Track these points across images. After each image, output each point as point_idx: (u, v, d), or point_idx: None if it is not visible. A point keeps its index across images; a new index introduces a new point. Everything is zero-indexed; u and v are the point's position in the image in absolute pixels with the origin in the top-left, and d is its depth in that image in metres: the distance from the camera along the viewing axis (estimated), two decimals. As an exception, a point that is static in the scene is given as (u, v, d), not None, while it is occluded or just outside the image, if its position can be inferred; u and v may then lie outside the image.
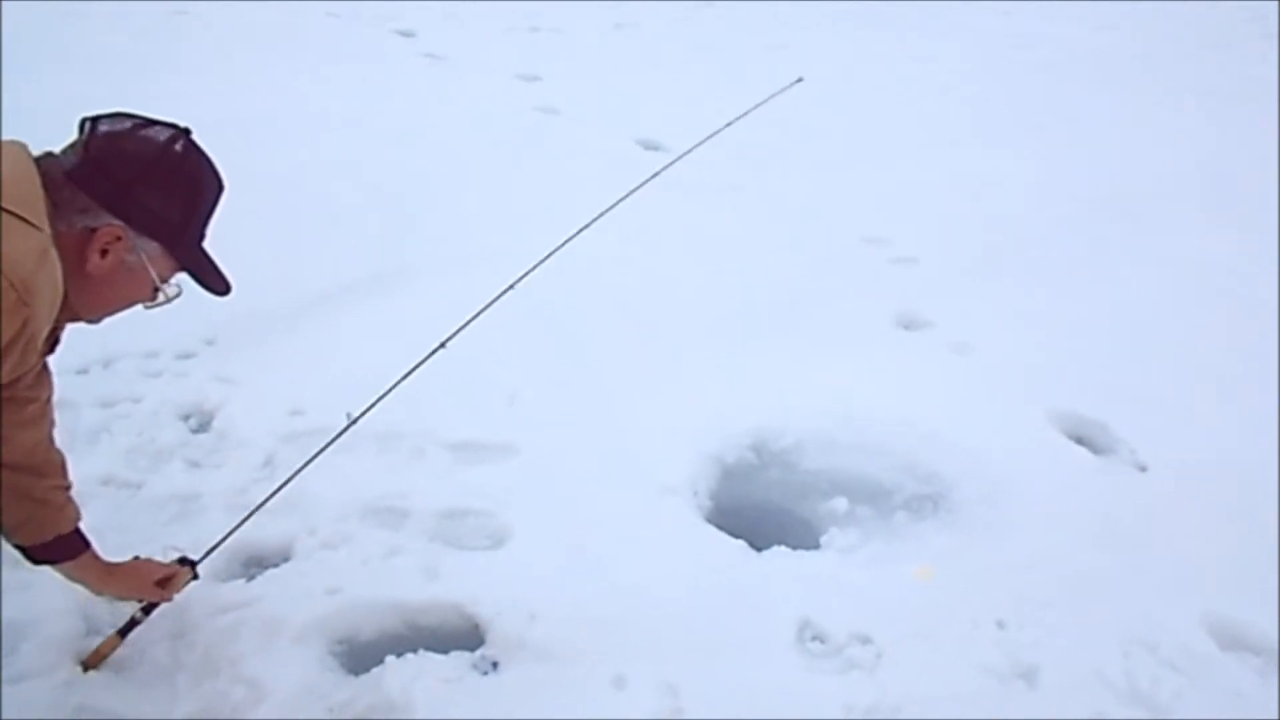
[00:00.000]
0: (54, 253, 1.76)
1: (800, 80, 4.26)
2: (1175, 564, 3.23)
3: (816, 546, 3.22)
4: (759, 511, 3.45)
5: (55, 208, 1.78)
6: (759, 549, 3.11)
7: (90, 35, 7.29)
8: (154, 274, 1.96)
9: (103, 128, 1.88)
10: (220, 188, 2.03)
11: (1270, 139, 7.85)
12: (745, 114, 4.09)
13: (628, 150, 6.47)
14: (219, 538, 2.62)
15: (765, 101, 4.14)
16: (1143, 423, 3.95)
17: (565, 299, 4.35)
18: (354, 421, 2.72)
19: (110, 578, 2.40)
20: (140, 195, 1.87)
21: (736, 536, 3.14)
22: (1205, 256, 5.66)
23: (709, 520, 3.24)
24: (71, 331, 3.57)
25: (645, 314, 4.30)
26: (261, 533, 2.88)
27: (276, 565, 2.81)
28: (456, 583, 2.78)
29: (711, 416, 3.65)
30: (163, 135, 1.91)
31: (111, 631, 2.47)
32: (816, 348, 4.21)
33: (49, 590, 2.50)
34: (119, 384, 3.43)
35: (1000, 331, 4.55)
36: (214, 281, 2.09)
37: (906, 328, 4.54)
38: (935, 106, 8.21)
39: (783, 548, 3.14)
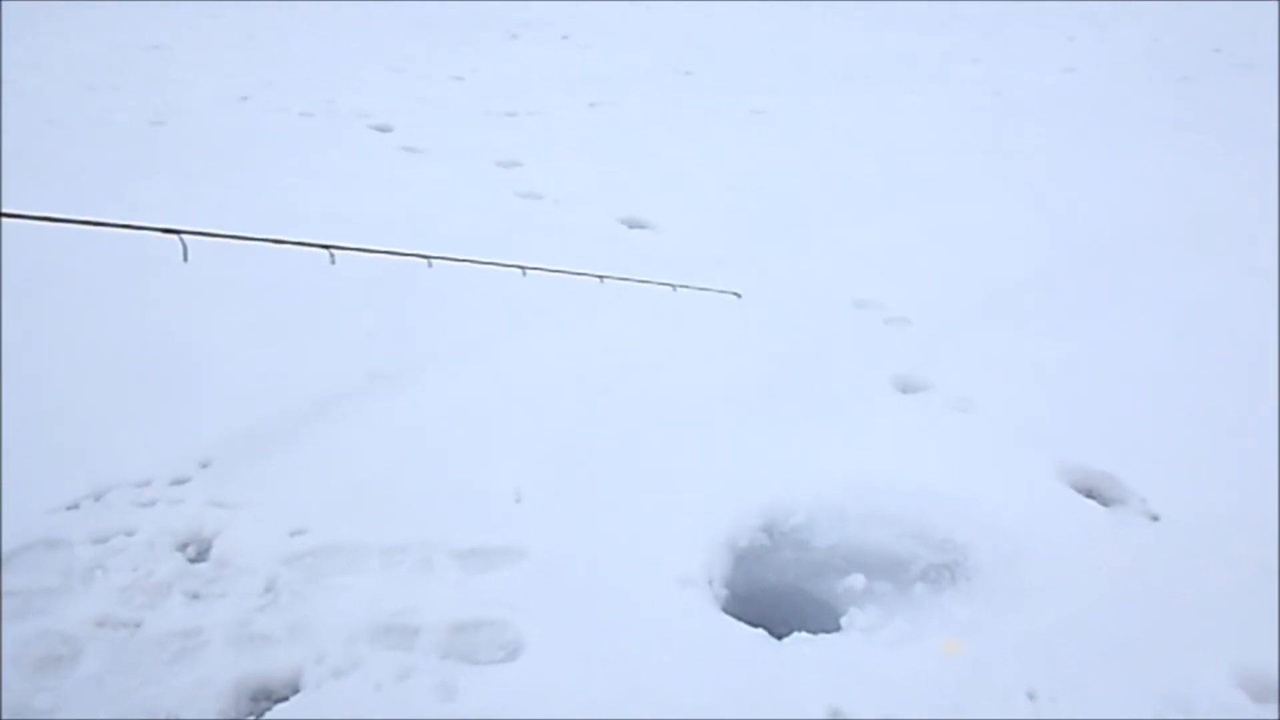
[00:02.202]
0: None
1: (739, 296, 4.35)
2: (1199, 615, 3.18)
3: (837, 628, 3.15)
4: (775, 595, 3.39)
5: None
6: (779, 636, 3.04)
7: (72, 146, 7.34)
8: None
9: None
10: None
11: (1249, 169, 7.94)
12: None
13: (614, 230, 6.50)
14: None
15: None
16: (1150, 470, 3.91)
17: (559, 390, 4.33)
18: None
19: None
20: None
21: (755, 625, 3.07)
22: (1197, 295, 5.68)
23: (726, 610, 3.17)
24: (59, 465, 3.56)
25: (643, 401, 4.26)
26: (268, 664, 2.81)
27: (285, 698, 2.72)
28: (474, 701, 2.70)
29: (720, 500, 3.59)
30: None
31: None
32: (818, 419, 4.17)
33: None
34: (111, 517, 3.34)
35: (1000, 386, 4.53)
36: None
37: (905, 391, 4.51)
38: (916, 161, 8.29)
39: (803, 634, 3.07)
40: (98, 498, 3.45)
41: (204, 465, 3.67)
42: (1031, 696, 2.83)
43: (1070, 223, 6.89)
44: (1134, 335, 5.15)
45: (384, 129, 8.53)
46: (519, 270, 3.72)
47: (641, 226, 6.57)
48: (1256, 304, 5.53)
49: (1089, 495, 3.82)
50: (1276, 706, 2.86)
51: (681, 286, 3.97)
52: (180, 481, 3.58)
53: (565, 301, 4.88)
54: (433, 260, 3.39)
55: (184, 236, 2.20)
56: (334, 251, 2.61)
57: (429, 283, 5.07)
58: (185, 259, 2.26)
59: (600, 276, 3.92)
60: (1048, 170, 8.12)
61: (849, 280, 5.72)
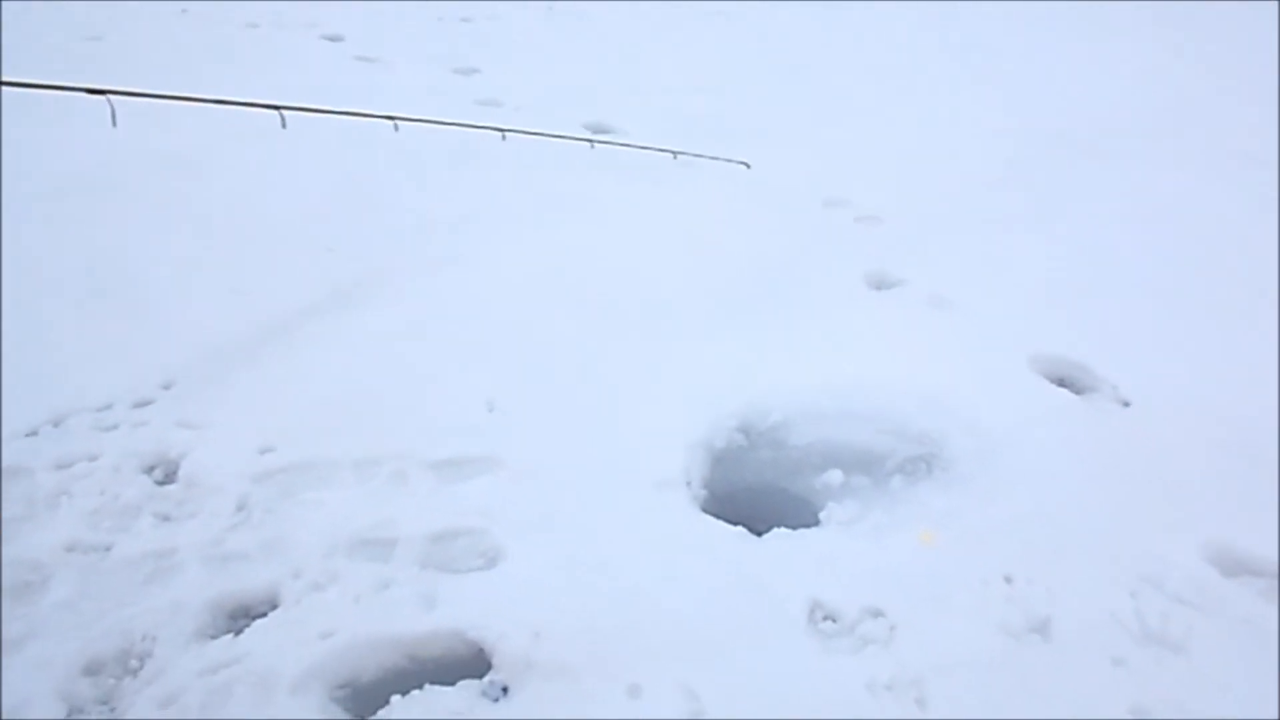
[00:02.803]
0: None
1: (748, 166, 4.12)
2: (1169, 496, 3.23)
3: (816, 523, 3.16)
4: (754, 494, 3.39)
5: None
6: (759, 533, 3.04)
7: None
8: None
9: None
10: None
11: (1226, 63, 7.86)
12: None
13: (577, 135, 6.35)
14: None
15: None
16: (1121, 359, 3.94)
17: (531, 299, 4.25)
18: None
19: None
20: None
21: (735, 523, 3.07)
22: (1171, 185, 5.66)
23: (705, 510, 3.16)
24: (16, 391, 3.46)
25: (613, 304, 4.21)
26: (244, 582, 2.77)
27: (264, 614, 2.68)
28: (455, 609, 2.68)
29: (695, 402, 3.56)
30: None
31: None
32: (792, 319, 4.13)
33: (25, 674, 2.38)
34: (73, 443, 3.26)
35: (973, 280, 4.51)
36: None
37: (879, 288, 4.48)
38: (885, 58, 8.16)
39: (783, 529, 3.07)
40: (57, 424, 3.36)
41: (166, 387, 3.59)
42: (1008, 580, 2.86)
43: (1044, 116, 6.82)
44: (1106, 226, 5.13)
45: (335, 38, 8.26)
46: (498, 134, 3.53)
47: (606, 131, 6.42)
48: (1230, 193, 5.53)
49: (1062, 384, 3.83)
50: (1246, 580, 2.91)
51: (681, 154, 3.80)
52: (143, 404, 3.50)
53: (533, 205, 4.78)
54: (399, 123, 3.22)
55: (111, 97, 2.06)
56: (284, 113, 2.49)
57: (393, 194, 4.95)
58: (114, 124, 2.13)
59: (591, 141, 3.76)
60: (1021, 64, 8.01)
61: (818, 180, 5.65)
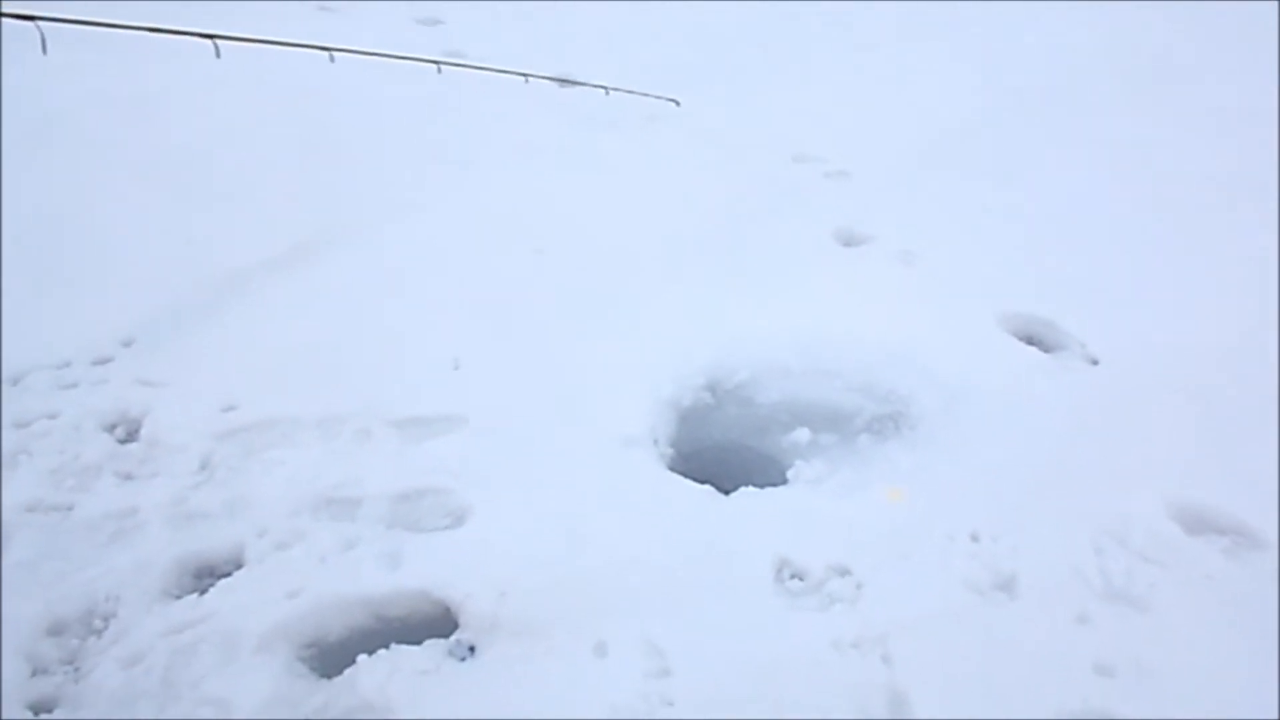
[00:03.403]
0: None
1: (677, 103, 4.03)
2: (1135, 454, 3.25)
3: (784, 481, 3.16)
4: (721, 452, 3.39)
5: None
6: (726, 492, 3.05)
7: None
8: None
9: None
10: None
11: (1195, 12, 7.84)
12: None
13: (545, 89, 6.25)
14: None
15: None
16: (1089, 316, 3.95)
17: (493, 252, 4.21)
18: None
19: None
20: None
21: (702, 482, 3.07)
22: (1138, 136, 5.66)
23: (672, 468, 3.16)
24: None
25: (579, 258, 4.17)
26: (208, 541, 2.74)
27: (229, 574, 2.66)
28: (421, 568, 2.67)
29: (662, 359, 3.55)
30: None
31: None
32: (760, 275, 4.12)
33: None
34: (32, 400, 3.21)
35: (941, 236, 4.50)
36: None
37: (847, 244, 4.46)
38: (855, 15, 8.07)
39: (750, 488, 3.07)
40: (15, 381, 3.31)
41: (126, 344, 3.53)
42: (974, 538, 2.88)
43: (1015, 72, 6.79)
44: (1073, 181, 5.13)
45: (297, -14, 8.04)
46: (434, 67, 3.43)
47: (572, 83, 6.32)
48: (1197, 144, 5.54)
49: (1030, 342, 3.84)
50: (1210, 538, 2.94)
51: (614, 90, 3.74)
52: (103, 361, 3.44)
53: (496, 155, 4.70)
54: (334, 54, 3.13)
55: (41, 25, 1.98)
56: (218, 43, 2.41)
57: (354, 143, 4.85)
58: (44, 51, 2.04)
59: (525, 75, 3.67)
60: (988, 22, 7.95)
61: (787, 134, 5.60)
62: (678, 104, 3.98)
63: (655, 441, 3.23)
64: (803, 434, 3.33)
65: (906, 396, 3.46)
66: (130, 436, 3.14)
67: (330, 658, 2.49)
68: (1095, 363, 3.72)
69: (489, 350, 3.57)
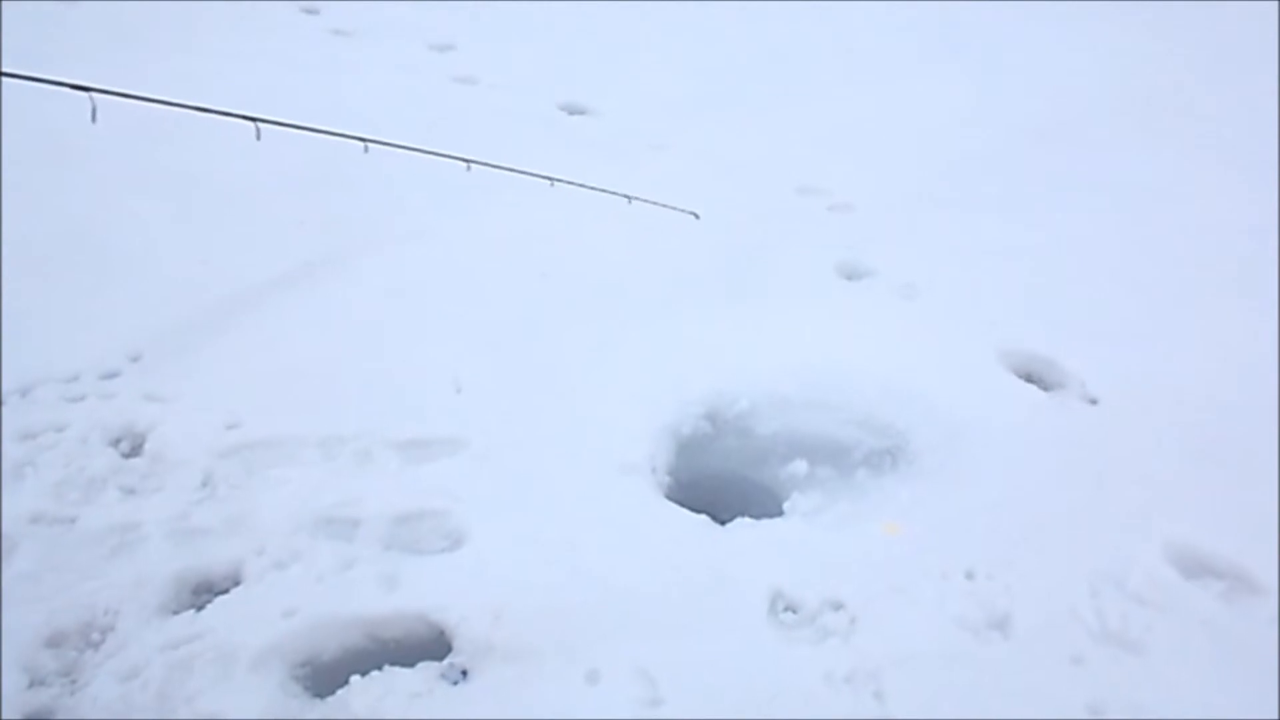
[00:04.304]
0: None
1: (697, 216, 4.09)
2: (1133, 495, 3.25)
3: (780, 513, 3.18)
4: (719, 482, 3.41)
5: None
6: (722, 522, 3.06)
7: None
8: None
9: None
10: None
11: (1195, 41, 7.89)
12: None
13: (552, 115, 6.33)
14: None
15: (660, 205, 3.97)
16: (1090, 354, 3.96)
17: (499, 276, 4.25)
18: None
19: None
20: None
21: (699, 511, 3.09)
22: (1143, 175, 5.69)
23: (669, 497, 3.17)
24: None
25: (584, 287, 4.21)
26: (208, 557, 2.77)
27: (226, 591, 2.69)
28: (417, 590, 2.69)
29: (663, 387, 3.57)
30: None
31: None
32: (762, 307, 4.15)
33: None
34: (40, 413, 3.24)
35: (944, 271, 4.53)
36: None
37: (849, 278, 4.49)
38: (860, 41, 8.14)
39: (746, 519, 3.09)
40: (24, 394, 3.34)
41: (134, 359, 3.56)
42: (969, 575, 2.88)
43: (1020, 103, 6.83)
44: (1078, 218, 5.16)
45: (312, 11, 8.15)
46: (462, 164, 3.55)
47: (581, 112, 6.41)
48: (1203, 183, 5.56)
49: (1029, 380, 3.86)
50: (1207, 582, 2.94)
51: (636, 199, 3.83)
52: (110, 376, 3.48)
53: (507, 184, 4.74)
54: (369, 145, 3.23)
55: (94, 95, 2.04)
56: (260, 126, 2.46)
57: (363, 170, 4.89)
58: (94, 120, 2.11)
59: (550, 179, 3.77)
60: (992, 48, 8.01)
61: (792, 166, 5.65)
62: (697, 217, 4.06)
63: (653, 469, 3.25)
64: (800, 466, 3.35)
65: (905, 431, 3.47)
66: (135, 451, 3.17)
67: (324, 677, 2.51)
68: (1094, 402, 3.74)
69: (491, 374, 3.60)
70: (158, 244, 4.27)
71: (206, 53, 6.77)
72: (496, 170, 3.65)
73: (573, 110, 6.42)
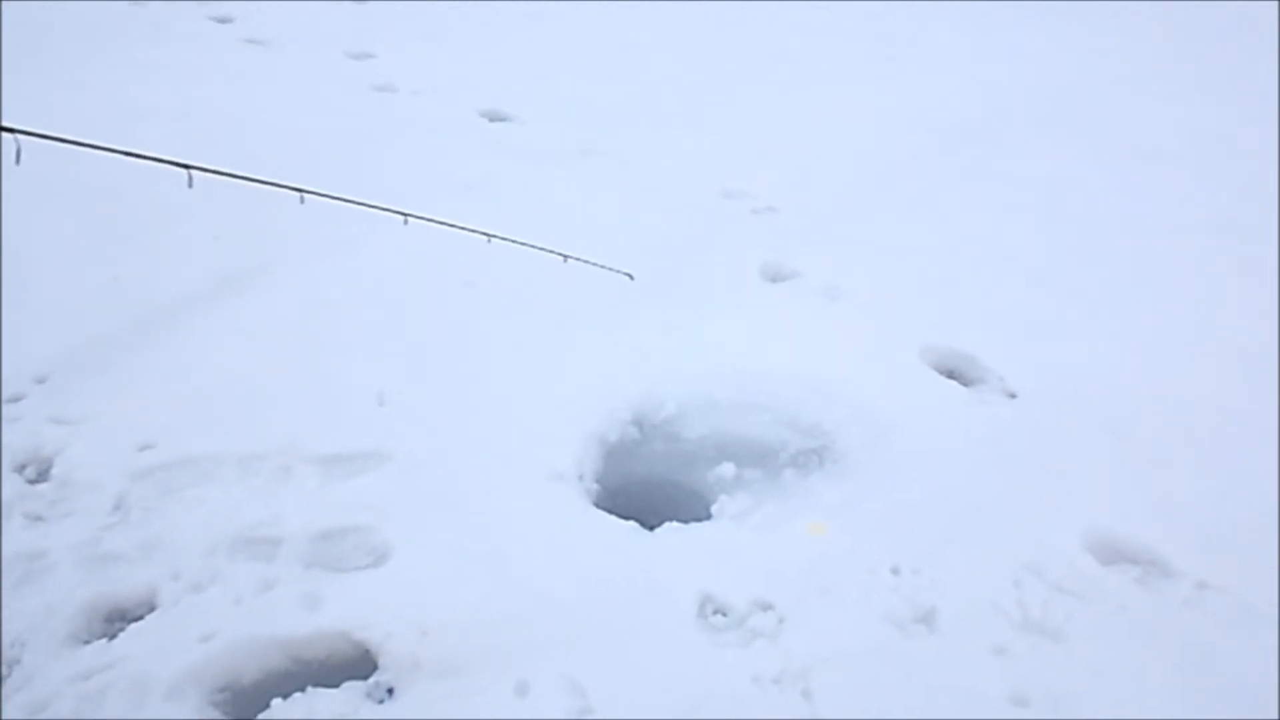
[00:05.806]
0: None
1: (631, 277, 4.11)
2: (1052, 486, 3.32)
3: (708, 516, 3.18)
4: (647, 487, 3.40)
5: None
6: (651, 528, 3.05)
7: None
8: None
9: None
10: None
11: (1112, 47, 8.10)
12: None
13: (474, 122, 6.27)
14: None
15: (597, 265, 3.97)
16: (1009, 350, 4.04)
17: (422, 286, 4.19)
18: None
19: None
20: None
21: (627, 518, 3.07)
22: (1059, 173, 5.83)
23: (598, 504, 3.15)
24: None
25: (507, 294, 4.17)
26: (120, 584, 2.68)
27: (140, 618, 2.60)
28: (340, 608, 2.63)
29: (590, 394, 3.55)
30: None
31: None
32: (687, 310, 4.15)
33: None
34: (-60, 440, 3.12)
35: (866, 272, 4.58)
36: None
37: (774, 280, 4.52)
38: (778, 48, 8.22)
39: (674, 523, 3.08)
40: (-79, 419, 3.20)
41: (40, 380, 3.44)
42: (895, 571, 2.91)
43: (937, 106, 6.96)
44: (996, 217, 5.27)
45: (224, 20, 7.99)
46: (399, 217, 3.48)
47: (503, 119, 6.36)
48: (1113, 179, 5.70)
49: (950, 376, 3.92)
50: (1123, 568, 3.01)
51: (573, 259, 3.82)
52: (15, 399, 3.35)
53: (425, 189, 4.69)
54: (305, 196, 3.15)
55: (18, 137, 1.95)
56: (192, 173, 2.37)
57: (279, 176, 4.78)
58: (18, 162, 2.01)
59: (488, 235, 3.73)
60: (913, 53, 8.16)
61: (716, 170, 5.68)
62: (631, 278, 4.08)
63: (581, 477, 3.23)
64: (728, 468, 3.35)
65: (831, 430, 3.50)
66: (41, 476, 3.06)
67: (244, 701, 2.44)
68: (1013, 396, 3.81)
69: (415, 385, 3.55)
70: (66, 259, 4.14)
71: (116, 64, 6.59)
72: (436, 226, 3.59)
73: (494, 117, 6.37)
